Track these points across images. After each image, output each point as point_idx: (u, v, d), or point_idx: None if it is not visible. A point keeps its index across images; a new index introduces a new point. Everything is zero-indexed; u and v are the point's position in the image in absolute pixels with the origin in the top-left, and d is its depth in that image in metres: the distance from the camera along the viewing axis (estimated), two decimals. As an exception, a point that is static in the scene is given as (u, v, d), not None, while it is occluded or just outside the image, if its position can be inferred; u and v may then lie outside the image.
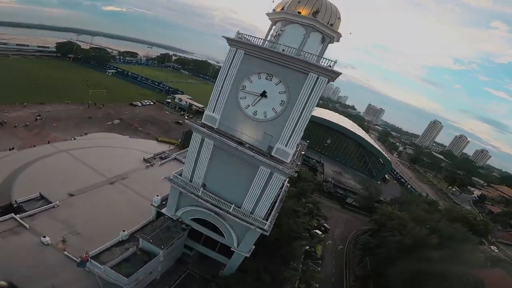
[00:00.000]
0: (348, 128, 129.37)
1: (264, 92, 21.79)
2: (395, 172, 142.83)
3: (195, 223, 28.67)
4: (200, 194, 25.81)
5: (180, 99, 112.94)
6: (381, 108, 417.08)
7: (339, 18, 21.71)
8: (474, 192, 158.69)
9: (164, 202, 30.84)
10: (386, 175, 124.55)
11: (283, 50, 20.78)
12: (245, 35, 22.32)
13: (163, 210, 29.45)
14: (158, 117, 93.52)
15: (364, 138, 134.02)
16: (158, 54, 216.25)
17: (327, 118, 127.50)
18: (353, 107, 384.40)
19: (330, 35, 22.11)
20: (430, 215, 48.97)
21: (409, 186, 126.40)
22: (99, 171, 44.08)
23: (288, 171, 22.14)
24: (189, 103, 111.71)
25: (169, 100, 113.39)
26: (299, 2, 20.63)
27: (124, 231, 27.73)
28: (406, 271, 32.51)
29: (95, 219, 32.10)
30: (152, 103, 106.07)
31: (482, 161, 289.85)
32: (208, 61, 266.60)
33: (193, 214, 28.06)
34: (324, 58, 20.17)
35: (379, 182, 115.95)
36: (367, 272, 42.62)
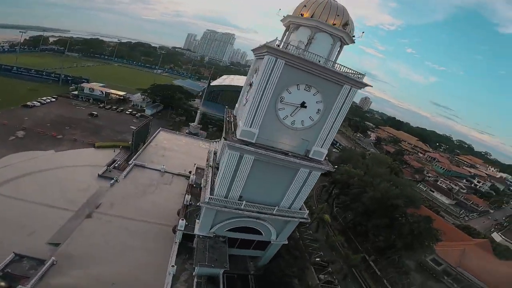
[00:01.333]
0: None
1: (304, 102, 23.54)
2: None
3: (231, 232, 29.68)
4: (243, 207, 26.76)
5: (92, 89, 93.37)
6: None
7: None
8: (371, 135, 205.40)
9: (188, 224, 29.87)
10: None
11: (319, 61, 22.42)
12: (283, 46, 22.34)
13: (196, 231, 28.79)
14: (73, 116, 76.12)
15: None
16: (27, 38, 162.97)
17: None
18: None
19: (347, 44, 24.99)
20: (376, 167, 64.57)
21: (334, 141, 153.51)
22: (57, 205, 36.07)
23: (327, 168, 26.02)
24: (105, 92, 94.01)
25: (76, 92, 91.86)
26: (336, 14, 22.18)
27: (173, 266, 26.50)
28: (382, 219, 44.71)
29: (116, 262, 27.91)
30: (53, 99, 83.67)
31: (366, 107, 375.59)
32: (100, 38, 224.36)
33: (231, 225, 28.77)
34: (356, 71, 23.22)
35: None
36: (344, 225, 54.43)
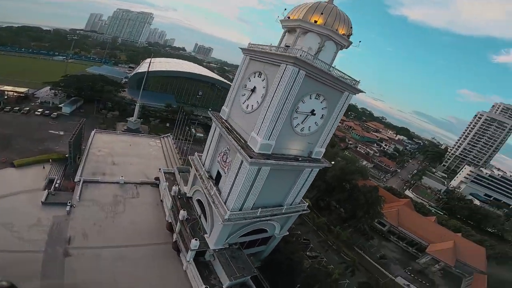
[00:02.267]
0: (213, 77, 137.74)
1: (313, 110, 25.32)
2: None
3: (242, 237, 30.54)
4: (259, 213, 27.82)
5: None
6: (209, 47, 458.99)
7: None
8: None
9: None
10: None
11: (329, 70, 23.94)
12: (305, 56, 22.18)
13: (212, 246, 28.52)
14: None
15: (229, 84, 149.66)
16: None
17: (190, 71, 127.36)
18: (183, 49, 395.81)
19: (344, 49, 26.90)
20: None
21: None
22: (16, 249, 28.24)
23: (325, 164, 29.49)
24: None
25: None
26: (344, 24, 23.61)
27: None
28: (342, 193, 52.90)
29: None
30: None
31: None
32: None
33: (244, 231, 29.60)
34: (351, 77, 25.77)
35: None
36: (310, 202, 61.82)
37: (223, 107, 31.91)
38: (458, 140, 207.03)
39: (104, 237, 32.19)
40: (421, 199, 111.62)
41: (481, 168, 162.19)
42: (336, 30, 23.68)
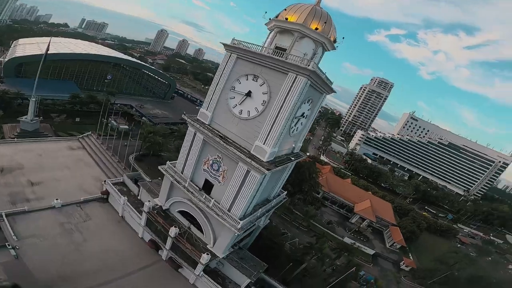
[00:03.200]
0: (120, 57, 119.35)
1: (303, 113, 27.50)
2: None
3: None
4: (259, 214, 29.16)
5: None
6: (103, 22, 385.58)
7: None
8: None
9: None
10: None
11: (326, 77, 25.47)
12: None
13: (221, 255, 29.19)
14: None
15: (142, 63, 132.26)
16: None
17: (94, 52, 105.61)
18: (65, 25, 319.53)
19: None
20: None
21: (188, 95, 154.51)
22: None
23: (304, 156, 32.92)
24: None
25: None
26: (335, 30, 25.20)
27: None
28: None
29: None
30: None
31: (200, 57, 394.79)
32: None
33: (245, 233, 30.66)
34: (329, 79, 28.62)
35: (169, 101, 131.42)
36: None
37: (201, 109, 29.22)
38: (350, 108, 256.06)
39: (86, 275, 26.80)
40: (333, 163, 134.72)
41: (368, 131, 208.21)
42: (330, 37, 25.28)
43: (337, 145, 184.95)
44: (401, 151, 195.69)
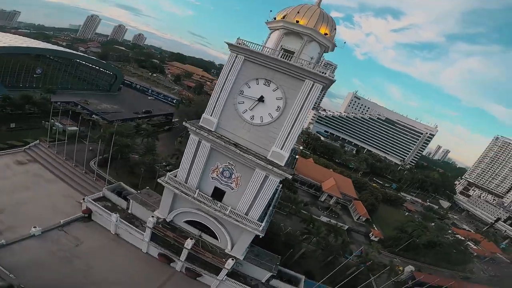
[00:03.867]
0: (50, 48, 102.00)
1: None
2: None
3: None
4: (269, 212, 30.21)
5: None
6: (14, 10, 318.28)
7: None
8: (168, 75, 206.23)
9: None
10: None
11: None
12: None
13: (241, 256, 30.15)
14: None
15: (74, 53, 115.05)
16: None
17: (11, 45, 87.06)
18: None
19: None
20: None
21: (137, 85, 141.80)
22: None
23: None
24: None
25: None
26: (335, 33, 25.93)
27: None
28: None
29: None
30: None
31: (142, 42, 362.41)
32: None
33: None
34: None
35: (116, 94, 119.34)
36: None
37: (204, 115, 27.85)
38: None
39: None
40: (295, 144, 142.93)
41: (319, 111, 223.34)
42: (334, 42, 26.62)
43: None
44: (348, 128, 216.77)
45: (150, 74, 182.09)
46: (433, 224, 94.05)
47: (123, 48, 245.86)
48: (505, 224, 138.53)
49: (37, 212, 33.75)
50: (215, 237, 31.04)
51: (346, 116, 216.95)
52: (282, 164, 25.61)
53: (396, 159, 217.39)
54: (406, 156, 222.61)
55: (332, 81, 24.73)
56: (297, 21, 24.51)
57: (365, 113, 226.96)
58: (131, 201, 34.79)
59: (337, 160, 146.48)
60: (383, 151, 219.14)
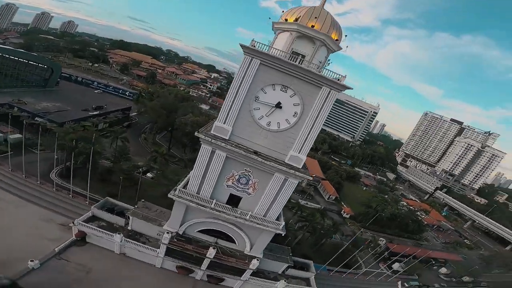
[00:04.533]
0: None
1: None
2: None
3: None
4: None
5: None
6: None
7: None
8: (113, 65, 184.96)
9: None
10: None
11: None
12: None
13: (260, 254, 31.70)
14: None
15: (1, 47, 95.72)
16: None
17: None
18: None
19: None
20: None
21: (78, 78, 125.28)
22: None
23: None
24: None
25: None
26: (345, 36, 26.42)
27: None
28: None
29: None
30: None
31: (73, 30, 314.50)
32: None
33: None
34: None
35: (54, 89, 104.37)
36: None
37: (217, 123, 26.54)
38: None
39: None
40: None
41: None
42: (340, 47, 27.40)
43: None
44: None
45: (90, 64, 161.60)
46: (386, 196, 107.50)
47: (51, 37, 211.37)
48: (442, 193, 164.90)
49: (23, 242, 29.57)
50: (232, 241, 31.51)
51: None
52: (300, 167, 26.95)
53: (347, 136, 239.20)
54: (355, 133, 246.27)
55: (347, 88, 25.86)
56: (312, 26, 24.71)
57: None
58: (130, 217, 32.59)
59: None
60: (335, 130, 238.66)
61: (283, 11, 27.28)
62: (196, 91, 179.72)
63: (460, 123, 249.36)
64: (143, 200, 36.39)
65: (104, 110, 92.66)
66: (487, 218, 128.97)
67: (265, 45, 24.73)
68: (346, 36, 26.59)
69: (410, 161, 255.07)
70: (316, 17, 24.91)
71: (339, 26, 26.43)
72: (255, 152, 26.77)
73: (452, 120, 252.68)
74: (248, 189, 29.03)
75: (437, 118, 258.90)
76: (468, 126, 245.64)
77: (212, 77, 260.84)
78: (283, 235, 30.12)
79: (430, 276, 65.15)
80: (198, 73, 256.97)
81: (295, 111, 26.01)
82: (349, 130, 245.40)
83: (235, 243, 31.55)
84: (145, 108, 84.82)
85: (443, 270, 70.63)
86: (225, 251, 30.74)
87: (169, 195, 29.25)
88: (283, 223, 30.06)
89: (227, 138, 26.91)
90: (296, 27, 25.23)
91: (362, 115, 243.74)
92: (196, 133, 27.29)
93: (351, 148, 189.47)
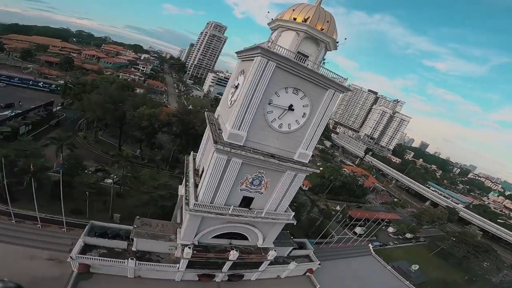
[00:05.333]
0: None
1: None
2: None
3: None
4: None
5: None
6: None
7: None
8: (10, 52, 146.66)
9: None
10: None
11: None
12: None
13: (273, 245, 34.31)
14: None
15: None
16: None
17: None
18: None
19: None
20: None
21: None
22: None
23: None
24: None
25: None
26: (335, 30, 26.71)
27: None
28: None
29: None
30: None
31: None
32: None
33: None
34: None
35: None
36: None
37: (231, 130, 25.37)
38: (192, 52, 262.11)
39: None
40: (204, 110, 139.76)
41: (218, 73, 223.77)
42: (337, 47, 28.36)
43: (195, 90, 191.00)
44: None
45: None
46: (329, 164, 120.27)
47: None
48: (369, 156, 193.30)
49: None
50: (244, 238, 32.79)
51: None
52: (307, 161, 29.23)
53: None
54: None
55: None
56: (322, 29, 25.41)
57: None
58: (135, 239, 30.08)
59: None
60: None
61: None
62: (127, 75, 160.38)
63: (375, 93, 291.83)
64: (138, 217, 33.52)
65: (18, 108, 76.07)
66: (406, 177, 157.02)
67: (281, 47, 23.98)
68: (346, 39, 27.65)
69: (339, 128, 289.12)
70: (328, 21, 25.66)
71: (335, 25, 26.97)
72: (273, 156, 27.63)
73: (369, 90, 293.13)
74: (260, 189, 29.97)
75: (357, 89, 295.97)
76: (382, 95, 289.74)
77: (142, 58, 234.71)
78: (294, 224, 32.83)
79: (382, 235, 78.60)
80: (124, 54, 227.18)
81: (304, 112, 27.17)
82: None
83: (247, 239, 32.89)
84: (82, 103, 71.49)
85: (390, 229, 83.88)
86: (243, 250, 31.93)
87: (185, 212, 28.24)
88: (293, 213, 32.62)
89: (242, 144, 26.61)
90: (306, 28, 25.22)
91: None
92: (213, 145, 25.42)
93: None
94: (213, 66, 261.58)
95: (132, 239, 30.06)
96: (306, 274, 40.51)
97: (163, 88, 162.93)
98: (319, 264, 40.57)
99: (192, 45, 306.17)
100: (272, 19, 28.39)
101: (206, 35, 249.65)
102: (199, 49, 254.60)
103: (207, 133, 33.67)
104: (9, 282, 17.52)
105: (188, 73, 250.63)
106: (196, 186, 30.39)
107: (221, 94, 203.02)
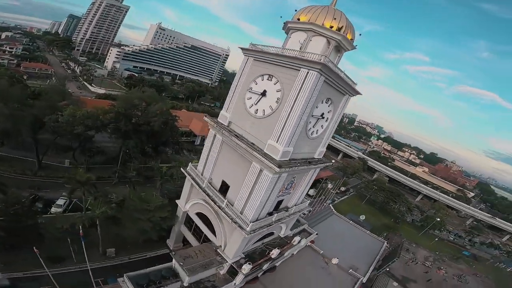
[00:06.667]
0: None
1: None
2: None
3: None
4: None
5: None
6: None
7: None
8: None
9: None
10: None
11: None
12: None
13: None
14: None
15: None
16: None
17: None
18: None
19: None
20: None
21: None
22: None
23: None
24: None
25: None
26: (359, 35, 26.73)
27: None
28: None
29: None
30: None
31: None
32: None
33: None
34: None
35: None
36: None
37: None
38: (82, 25, 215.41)
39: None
40: (114, 91, 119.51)
41: (123, 47, 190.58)
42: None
43: (96, 68, 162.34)
44: (158, 59, 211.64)
45: None
46: None
47: None
48: None
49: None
50: (270, 234, 34.95)
51: (154, 48, 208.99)
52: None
53: (206, 79, 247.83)
54: (212, 75, 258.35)
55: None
56: (331, 27, 24.83)
57: (172, 43, 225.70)
58: (187, 278, 26.46)
59: (166, 95, 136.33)
60: (194, 75, 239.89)
61: (295, 10, 27.32)
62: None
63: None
64: (173, 252, 30.46)
65: None
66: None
67: (331, 61, 23.82)
68: (360, 35, 27.09)
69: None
70: (332, 18, 24.93)
71: (352, 25, 26.17)
72: (309, 162, 28.82)
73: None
74: (290, 190, 31.14)
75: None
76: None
77: (4, 37, 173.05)
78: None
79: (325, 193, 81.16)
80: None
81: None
82: (207, 74, 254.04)
83: (273, 234, 35.56)
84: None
85: (329, 185, 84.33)
86: (272, 244, 34.37)
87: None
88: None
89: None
90: (340, 38, 24.95)
91: (216, 58, 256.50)
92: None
93: (214, 90, 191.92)
94: (113, 39, 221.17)
95: (177, 274, 27.98)
96: (308, 244, 45.99)
97: (50, 71, 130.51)
98: (317, 234, 46.59)
99: (72, 16, 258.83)
100: (299, 20, 26.21)
101: (101, 4, 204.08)
102: (91, 21, 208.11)
103: (223, 144, 30.75)
104: (3, 278, 19.71)
105: (78, 50, 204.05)
106: (231, 204, 28.91)
107: (130, 69, 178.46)
